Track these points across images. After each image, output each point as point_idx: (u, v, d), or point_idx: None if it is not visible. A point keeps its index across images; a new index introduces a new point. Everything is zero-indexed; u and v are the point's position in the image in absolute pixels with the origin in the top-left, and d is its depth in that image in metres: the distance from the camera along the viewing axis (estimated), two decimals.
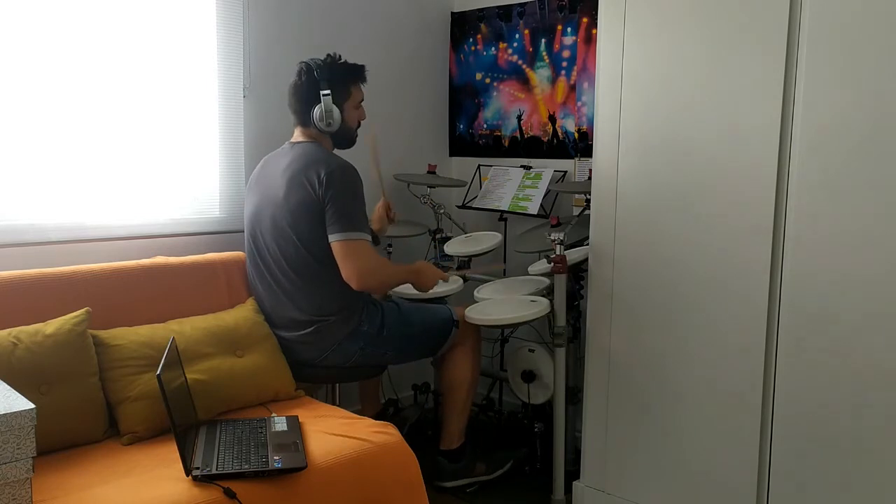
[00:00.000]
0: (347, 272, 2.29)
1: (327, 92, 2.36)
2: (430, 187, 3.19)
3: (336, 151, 2.49)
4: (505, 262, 3.30)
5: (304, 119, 2.43)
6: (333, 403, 2.54)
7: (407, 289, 2.78)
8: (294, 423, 2.05)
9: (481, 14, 3.44)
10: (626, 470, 2.42)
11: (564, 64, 3.16)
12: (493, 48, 3.42)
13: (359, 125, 2.53)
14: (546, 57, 3.22)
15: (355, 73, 2.46)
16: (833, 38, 1.90)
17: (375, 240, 2.70)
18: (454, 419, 2.67)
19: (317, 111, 2.38)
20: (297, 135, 2.47)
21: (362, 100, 2.51)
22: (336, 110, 2.38)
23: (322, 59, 2.42)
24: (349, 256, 2.28)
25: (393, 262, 2.53)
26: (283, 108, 2.55)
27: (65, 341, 1.97)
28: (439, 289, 2.78)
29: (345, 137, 2.50)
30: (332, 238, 2.29)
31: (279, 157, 2.44)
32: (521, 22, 3.30)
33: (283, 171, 2.36)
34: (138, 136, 2.52)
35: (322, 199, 2.28)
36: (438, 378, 2.83)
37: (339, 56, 2.45)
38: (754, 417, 2.12)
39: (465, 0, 3.51)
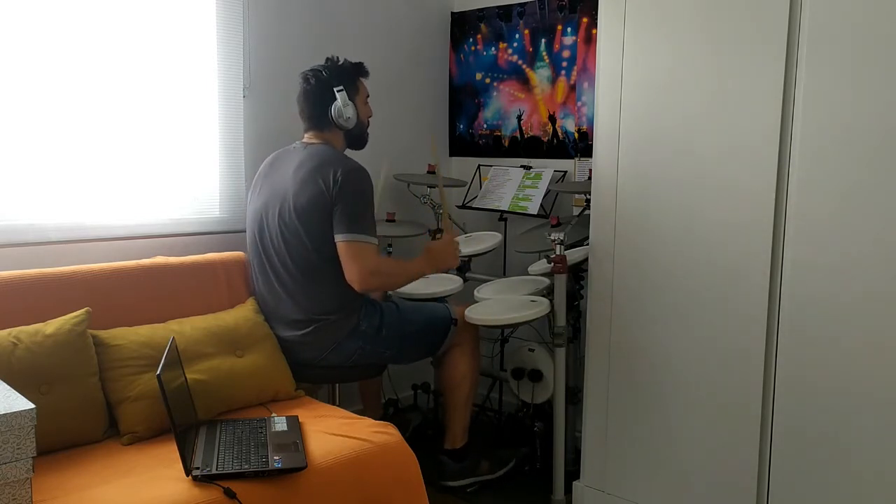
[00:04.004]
0: (351, 273, 2.30)
1: (341, 87, 2.41)
2: (430, 187, 3.19)
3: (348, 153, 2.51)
4: (505, 262, 3.30)
5: (319, 122, 2.45)
6: (333, 403, 2.54)
7: (406, 289, 2.78)
8: (294, 423, 2.05)
9: (481, 14, 3.44)
10: (626, 470, 2.42)
11: (564, 64, 3.16)
12: (493, 48, 3.42)
13: (368, 123, 2.56)
14: (546, 57, 3.22)
15: (359, 69, 2.52)
16: (833, 39, 1.90)
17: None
18: (456, 418, 2.67)
19: (334, 109, 2.41)
20: (310, 137, 2.48)
21: (368, 95, 2.55)
22: (351, 105, 2.43)
23: (323, 63, 2.47)
24: (354, 257, 2.29)
25: (400, 259, 2.52)
26: (283, 109, 2.56)
27: (65, 341, 1.97)
28: (440, 288, 2.79)
29: (358, 136, 2.53)
30: (338, 238, 2.31)
31: (291, 156, 2.45)
32: (521, 22, 3.30)
33: (297, 169, 2.37)
34: (138, 135, 2.52)
35: (333, 197, 2.29)
36: (438, 378, 2.83)
37: (339, 57, 2.50)
38: (754, 417, 2.12)
39: (465, 0, 3.51)
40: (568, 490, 2.59)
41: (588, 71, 3.08)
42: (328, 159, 2.35)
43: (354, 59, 2.52)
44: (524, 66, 3.31)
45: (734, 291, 2.13)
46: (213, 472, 1.73)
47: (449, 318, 2.60)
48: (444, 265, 2.52)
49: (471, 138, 3.54)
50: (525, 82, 3.31)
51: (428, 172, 3.25)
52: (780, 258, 2.04)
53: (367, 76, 2.53)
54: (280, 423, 2.03)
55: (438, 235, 3.15)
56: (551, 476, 2.61)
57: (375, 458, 1.98)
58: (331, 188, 2.29)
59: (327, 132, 2.46)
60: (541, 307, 2.47)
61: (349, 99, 2.42)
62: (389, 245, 3.19)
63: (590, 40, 3.06)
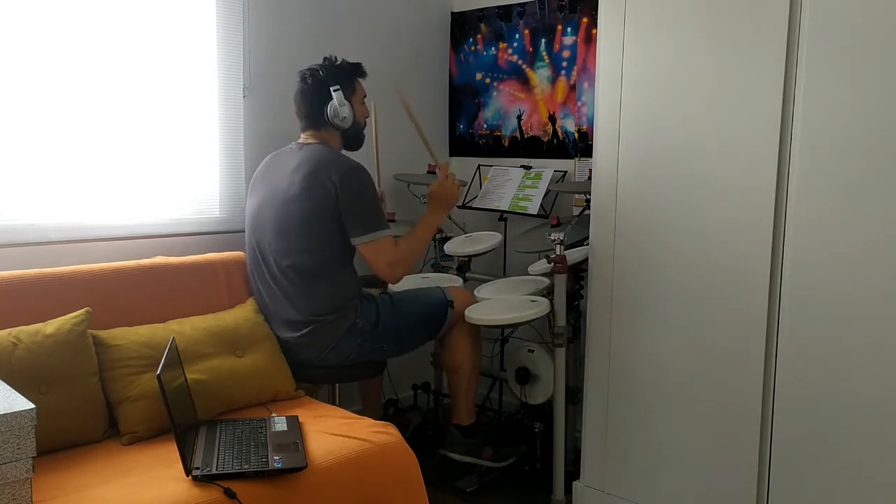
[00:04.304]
0: (378, 269, 2.37)
1: (337, 87, 2.42)
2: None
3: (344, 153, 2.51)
4: (505, 262, 3.30)
5: (315, 121, 2.46)
6: (333, 403, 2.54)
7: (406, 288, 2.79)
8: (294, 423, 2.05)
9: (481, 14, 3.44)
10: (626, 470, 2.42)
11: (564, 64, 3.16)
12: (493, 48, 3.42)
13: (364, 124, 2.57)
14: (546, 57, 3.22)
15: (356, 69, 2.52)
16: (833, 38, 1.90)
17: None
18: (462, 397, 2.68)
19: (330, 108, 2.41)
20: (307, 137, 2.49)
21: (365, 96, 2.55)
22: (348, 104, 2.44)
23: (321, 63, 2.47)
24: (378, 255, 2.36)
25: (409, 234, 2.51)
26: (283, 109, 2.55)
27: (65, 341, 1.97)
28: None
29: (354, 136, 2.54)
30: (356, 241, 2.35)
31: (287, 157, 2.45)
32: (521, 22, 3.30)
33: (294, 171, 2.37)
34: (138, 135, 2.52)
35: (338, 200, 2.30)
36: (441, 360, 2.83)
37: (336, 57, 2.50)
38: (754, 417, 2.12)
39: (465, 0, 3.51)
40: (568, 490, 2.59)
41: (588, 71, 3.08)
42: (325, 161, 2.35)
43: (354, 60, 2.52)
44: (524, 66, 3.31)
45: (734, 292, 2.13)
46: (213, 472, 1.73)
47: (445, 300, 2.60)
48: (451, 201, 2.57)
49: (471, 138, 3.54)
50: (525, 82, 3.31)
51: (428, 172, 3.24)
52: (780, 258, 2.04)
53: (364, 77, 2.54)
54: (280, 423, 2.03)
55: (439, 235, 3.15)
56: (551, 476, 2.61)
57: (375, 458, 1.98)
58: (332, 191, 2.30)
59: (324, 131, 2.46)
60: (541, 307, 2.47)
61: (345, 98, 2.43)
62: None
63: (590, 40, 3.06)
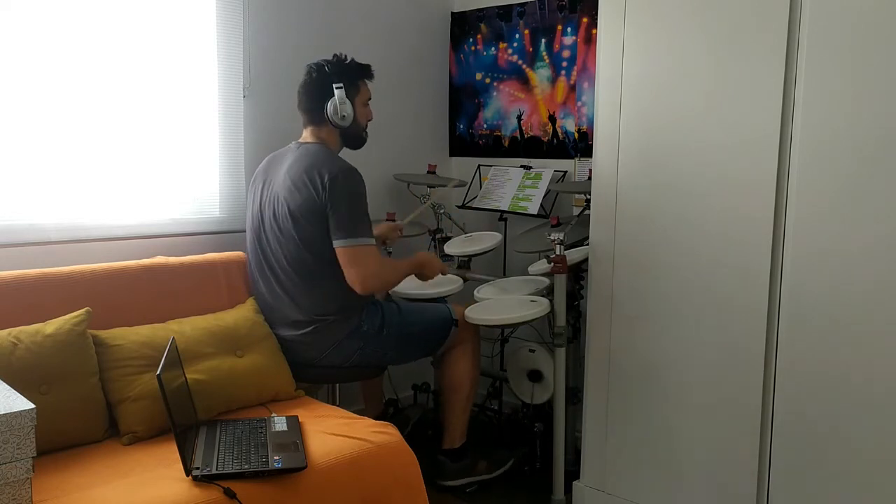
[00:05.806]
0: (352, 278, 2.31)
1: (340, 85, 2.40)
2: (430, 187, 3.19)
3: (344, 153, 2.50)
4: (505, 262, 3.30)
5: (315, 117, 2.45)
6: (333, 403, 2.54)
7: (407, 289, 2.78)
8: (294, 423, 2.06)
9: (481, 14, 3.44)
10: (626, 470, 2.42)
11: (564, 64, 3.16)
12: (493, 48, 3.42)
13: (366, 125, 2.56)
14: (546, 57, 3.22)
15: (364, 70, 2.51)
16: (834, 39, 1.90)
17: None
18: (455, 419, 2.67)
19: (330, 105, 2.40)
20: (306, 135, 2.48)
21: (370, 98, 2.55)
22: (349, 103, 2.41)
23: (329, 58, 2.47)
24: (353, 262, 2.30)
25: (394, 259, 2.54)
26: (283, 109, 2.55)
27: (65, 341, 1.97)
28: (440, 289, 2.79)
29: (354, 136, 2.53)
30: (336, 244, 2.31)
31: (284, 156, 2.45)
32: (521, 22, 3.30)
33: (287, 171, 2.37)
34: (138, 135, 2.52)
35: (324, 201, 2.29)
36: (438, 378, 2.83)
37: (346, 56, 2.49)
38: (754, 417, 2.12)
39: (465, 0, 3.51)
40: (568, 490, 2.59)
41: (588, 71, 3.08)
42: (317, 161, 2.34)
43: (353, 59, 2.51)
44: (524, 66, 3.31)
45: (734, 290, 2.13)
46: (213, 472, 1.73)
47: (450, 318, 2.60)
48: (426, 276, 2.59)
49: (471, 138, 3.54)
50: (525, 82, 3.31)
51: (428, 172, 3.25)
52: (780, 255, 2.04)
53: (371, 78, 2.53)
54: (280, 423, 2.03)
55: (439, 235, 3.16)
56: (551, 476, 2.61)
57: (375, 458, 1.98)
58: (320, 192, 2.29)
59: (323, 128, 2.46)
60: (541, 307, 2.47)
61: (347, 97, 2.41)
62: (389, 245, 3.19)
63: (590, 40, 3.06)
